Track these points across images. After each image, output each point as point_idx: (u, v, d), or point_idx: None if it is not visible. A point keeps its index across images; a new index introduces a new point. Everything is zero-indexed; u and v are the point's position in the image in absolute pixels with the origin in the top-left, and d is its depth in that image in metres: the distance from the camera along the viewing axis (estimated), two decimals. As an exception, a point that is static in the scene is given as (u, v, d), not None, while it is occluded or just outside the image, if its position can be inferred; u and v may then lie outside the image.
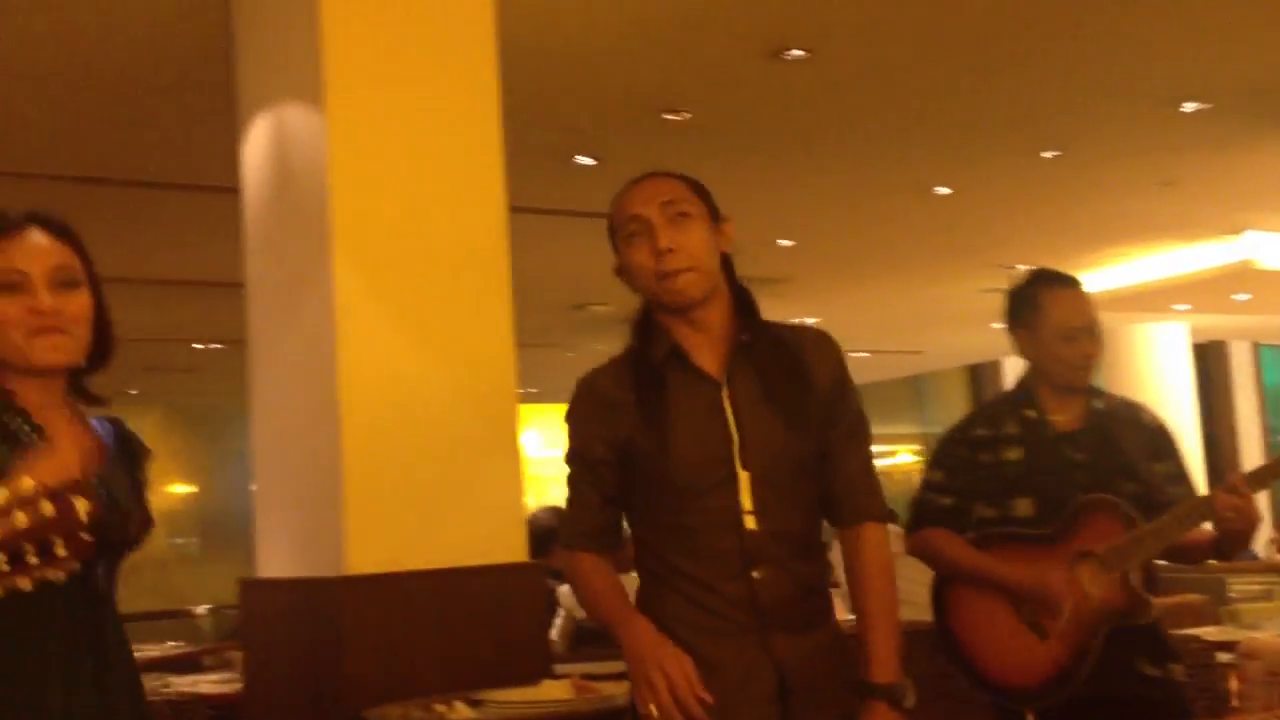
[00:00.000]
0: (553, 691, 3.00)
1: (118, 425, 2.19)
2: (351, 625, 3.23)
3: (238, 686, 4.20)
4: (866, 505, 2.19)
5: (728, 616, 2.07)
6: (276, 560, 3.80)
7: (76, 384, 2.10)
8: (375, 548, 3.43)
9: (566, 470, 2.22)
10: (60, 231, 2.04)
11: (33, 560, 1.34)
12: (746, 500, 2.08)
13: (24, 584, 1.35)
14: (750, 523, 2.08)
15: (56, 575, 1.36)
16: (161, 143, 5.88)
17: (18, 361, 1.97)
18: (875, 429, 2.32)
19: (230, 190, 4.30)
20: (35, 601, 1.91)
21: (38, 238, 2.00)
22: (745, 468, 2.08)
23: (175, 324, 10.11)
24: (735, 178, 6.86)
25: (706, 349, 2.15)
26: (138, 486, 2.16)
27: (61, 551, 1.34)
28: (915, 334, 12.79)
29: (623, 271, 2.21)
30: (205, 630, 10.14)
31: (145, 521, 2.13)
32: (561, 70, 5.27)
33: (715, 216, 2.19)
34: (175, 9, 4.40)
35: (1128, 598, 2.85)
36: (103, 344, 2.08)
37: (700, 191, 2.20)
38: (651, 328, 2.18)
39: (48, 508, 1.34)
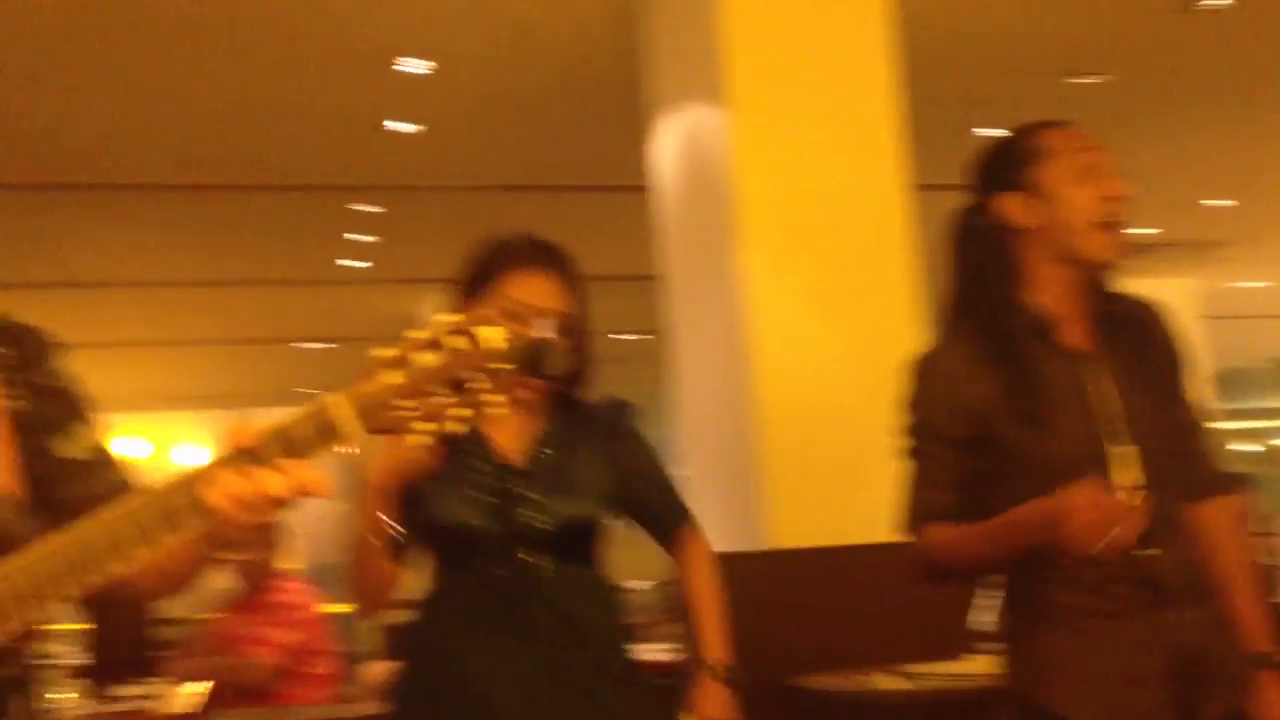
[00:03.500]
0: (978, 665, 3.00)
1: (620, 410, 2.35)
2: (776, 597, 3.35)
3: (682, 655, 4.45)
4: (1222, 478, 2.12)
5: (1117, 596, 1.97)
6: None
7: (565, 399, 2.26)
8: (797, 524, 3.54)
9: (909, 454, 2.12)
10: (566, 274, 2.21)
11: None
12: (1136, 476, 1.98)
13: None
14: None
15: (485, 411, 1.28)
16: (575, 149, 6.26)
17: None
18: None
19: (638, 189, 4.55)
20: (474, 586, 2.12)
21: (550, 280, 2.18)
22: (1131, 442, 2.00)
23: (596, 317, 10.64)
24: (1150, 139, 6.50)
25: (1072, 318, 2.05)
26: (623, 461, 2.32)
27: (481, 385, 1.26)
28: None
29: (1034, 202, 2.05)
30: (647, 605, 10.62)
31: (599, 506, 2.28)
32: (961, 42, 5.19)
33: None
34: (584, 25, 4.69)
35: None
36: (584, 365, 2.28)
37: None
38: (1010, 282, 2.06)
39: (461, 341, 1.28)
